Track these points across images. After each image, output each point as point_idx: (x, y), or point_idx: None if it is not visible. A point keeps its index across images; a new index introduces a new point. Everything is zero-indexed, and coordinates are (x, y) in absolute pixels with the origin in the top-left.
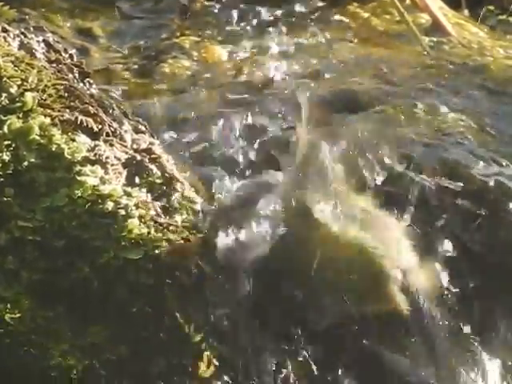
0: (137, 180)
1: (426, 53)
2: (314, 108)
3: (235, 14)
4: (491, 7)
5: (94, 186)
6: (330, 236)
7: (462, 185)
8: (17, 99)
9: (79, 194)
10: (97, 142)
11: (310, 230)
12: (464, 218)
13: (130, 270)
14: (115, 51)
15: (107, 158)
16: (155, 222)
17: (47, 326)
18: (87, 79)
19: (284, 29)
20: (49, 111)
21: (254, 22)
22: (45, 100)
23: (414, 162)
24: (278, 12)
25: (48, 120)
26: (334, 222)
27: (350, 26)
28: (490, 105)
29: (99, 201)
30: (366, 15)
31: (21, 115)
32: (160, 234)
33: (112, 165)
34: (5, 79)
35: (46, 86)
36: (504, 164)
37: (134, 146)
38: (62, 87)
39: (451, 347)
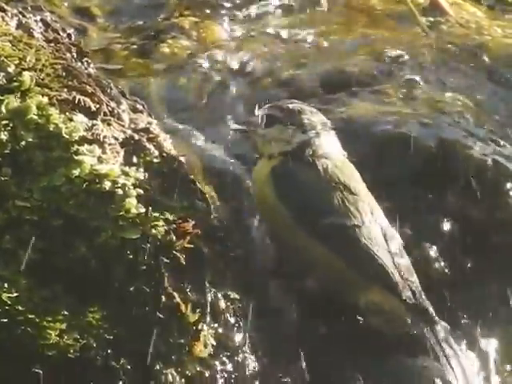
0: (134, 159)
1: (424, 33)
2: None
3: None
4: None
5: (92, 165)
6: None
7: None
8: (14, 78)
9: (77, 174)
10: (94, 122)
11: None
12: (461, 198)
13: (127, 250)
14: (113, 31)
15: (105, 137)
16: (153, 201)
17: (45, 305)
18: (85, 59)
19: (282, 10)
20: (46, 90)
21: (254, 2)
22: (42, 79)
23: (412, 141)
24: None
25: (46, 99)
26: None
27: (349, 6)
28: (487, 84)
29: (97, 180)
30: None
31: (18, 95)
32: (157, 214)
33: (110, 144)
34: (2, 58)
35: (43, 65)
36: (502, 143)
37: (132, 126)
38: (59, 67)
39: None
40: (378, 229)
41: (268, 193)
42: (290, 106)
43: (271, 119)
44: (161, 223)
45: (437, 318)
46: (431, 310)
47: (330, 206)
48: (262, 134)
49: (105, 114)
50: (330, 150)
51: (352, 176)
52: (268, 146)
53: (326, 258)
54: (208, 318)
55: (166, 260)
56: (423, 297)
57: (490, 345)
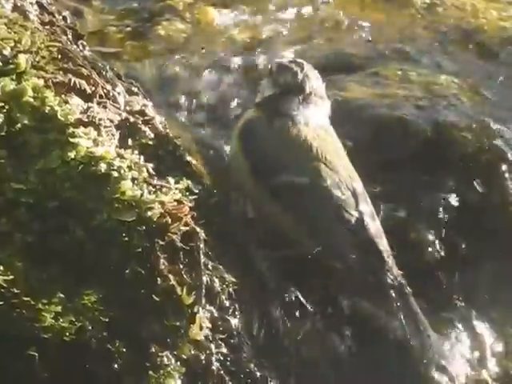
0: (130, 142)
1: (419, 15)
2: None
3: None
4: None
5: (87, 147)
6: None
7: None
8: (10, 61)
9: (72, 156)
10: (90, 104)
11: None
12: (457, 181)
13: (123, 232)
14: (109, 13)
15: (100, 119)
16: (148, 183)
17: (40, 288)
18: (81, 41)
19: None
20: (42, 73)
21: None
22: (38, 62)
23: (408, 123)
24: None
25: (41, 82)
26: None
27: None
28: (483, 67)
29: (92, 163)
30: None
31: (14, 77)
32: (153, 196)
33: (105, 127)
34: None
35: (39, 48)
36: (498, 126)
37: (127, 108)
38: (55, 49)
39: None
40: (339, 192)
41: (235, 149)
42: (288, 64)
43: (286, 90)
44: (156, 206)
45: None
46: (395, 275)
47: (286, 163)
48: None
49: (100, 97)
50: (314, 118)
51: (324, 138)
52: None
53: (278, 215)
54: (203, 301)
55: (161, 242)
56: (390, 264)
57: (485, 327)
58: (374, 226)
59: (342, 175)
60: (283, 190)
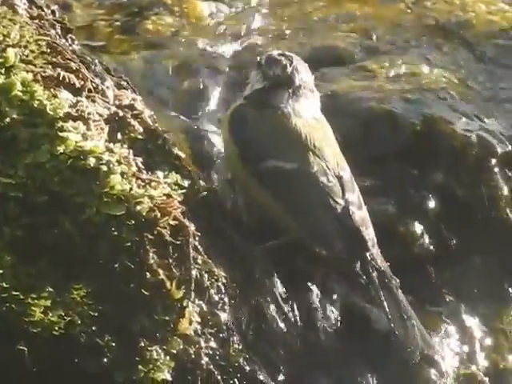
0: (119, 136)
1: (408, 9)
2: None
3: None
4: None
5: (76, 142)
6: None
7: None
8: None
9: (61, 150)
10: (79, 98)
11: None
12: (446, 174)
13: (112, 226)
14: (98, 7)
15: (89, 114)
16: (137, 177)
17: (29, 282)
18: (69, 35)
19: None
20: (31, 67)
21: None
22: (27, 56)
23: (397, 117)
24: None
25: (30, 76)
26: None
27: None
28: (472, 60)
29: (81, 157)
30: None
31: (3, 71)
32: (142, 190)
33: (94, 121)
34: None
35: (28, 41)
36: (486, 119)
37: (117, 102)
38: (44, 43)
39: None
40: (325, 179)
41: (226, 137)
42: (276, 56)
43: (275, 83)
44: (145, 200)
45: (384, 270)
46: (379, 265)
47: (273, 149)
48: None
49: (89, 91)
50: (304, 110)
51: (313, 125)
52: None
53: (269, 202)
54: (193, 295)
55: (150, 237)
56: (374, 253)
57: (475, 322)
58: (360, 215)
59: (330, 162)
60: (270, 176)
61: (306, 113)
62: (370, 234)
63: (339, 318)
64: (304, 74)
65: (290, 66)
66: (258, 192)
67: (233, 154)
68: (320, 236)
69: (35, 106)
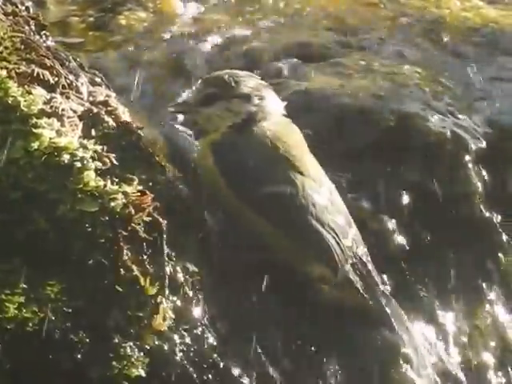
0: (93, 132)
1: (382, 5)
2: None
3: None
4: None
5: (51, 138)
6: None
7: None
8: None
9: (35, 147)
10: (53, 95)
11: None
12: (420, 171)
13: (86, 223)
14: (71, 3)
15: (63, 110)
16: (111, 174)
17: (3, 278)
18: (44, 32)
19: None
20: (5, 64)
21: None
22: (1, 52)
23: (370, 113)
24: None
25: (4, 72)
26: None
27: None
28: (445, 57)
29: (55, 153)
30: None
31: None
32: (116, 187)
33: (68, 117)
34: None
35: (2, 38)
36: (460, 116)
37: (91, 99)
38: (18, 40)
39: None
40: (320, 198)
41: (210, 166)
42: (225, 77)
43: (210, 97)
44: (119, 196)
45: (383, 289)
46: (377, 281)
47: (268, 175)
48: (206, 114)
49: (63, 87)
50: (275, 112)
51: (295, 144)
52: (213, 123)
53: (266, 229)
54: (167, 291)
55: (124, 233)
56: (370, 268)
57: (449, 318)
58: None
59: (315, 176)
60: (267, 202)
61: (283, 118)
62: (362, 252)
63: (317, 317)
64: (256, 79)
65: (244, 79)
66: (253, 220)
67: (219, 183)
68: (324, 255)
69: (9, 102)
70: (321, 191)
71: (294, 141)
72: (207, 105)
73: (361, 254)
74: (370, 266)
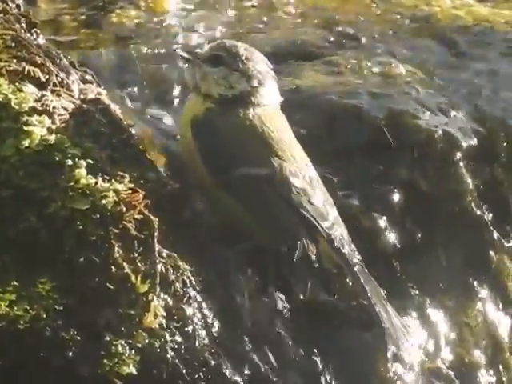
0: (84, 130)
1: (373, 3)
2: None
3: None
4: None
5: (42, 136)
6: None
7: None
8: None
9: (26, 144)
10: (44, 92)
11: None
12: (411, 168)
13: (77, 220)
14: (62, 1)
15: (54, 108)
16: (102, 172)
17: None
18: (34, 29)
19: None
20: None
21: None
22: None
23: (362, 111)
24: None
25: None
26: None
27: None
28: (437, 55)
29: (46, 151)
30: None
31: None
32: (107, 184)
33: (59, 115)
34: None
35: None
36: (451, 114)
37: (82, 96)
38: (9, 37)
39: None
40: (298, 182)
41: (188, 137)
42: (240, 49)
43: (217, 59)
44: (110, 194)
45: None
46: (355, 262)
47: (243, 157)
48: (205, 71)
49: (54, 85)
50: (269, 101)
51: (279, 129)
52: (207, 84)
53: (237, 211)
54: (158, 289)
55: (115, 231)
56: (351, 250)
57: (439, 315)
58: (333, 214)
59: (299, 163)
60: (240, 185)
61: (275, 106)
62: (342, 234)
63: (305, 312)
64: (266, 64)
65: (255, 59)
66: (226, 201)
67: (196, 160)
68: (291, 240)
69: (0, 99)
70: (300, 176)
71: (278, 126)
72: (211, 64)
73: (340, 235)
74: (348, 248)
